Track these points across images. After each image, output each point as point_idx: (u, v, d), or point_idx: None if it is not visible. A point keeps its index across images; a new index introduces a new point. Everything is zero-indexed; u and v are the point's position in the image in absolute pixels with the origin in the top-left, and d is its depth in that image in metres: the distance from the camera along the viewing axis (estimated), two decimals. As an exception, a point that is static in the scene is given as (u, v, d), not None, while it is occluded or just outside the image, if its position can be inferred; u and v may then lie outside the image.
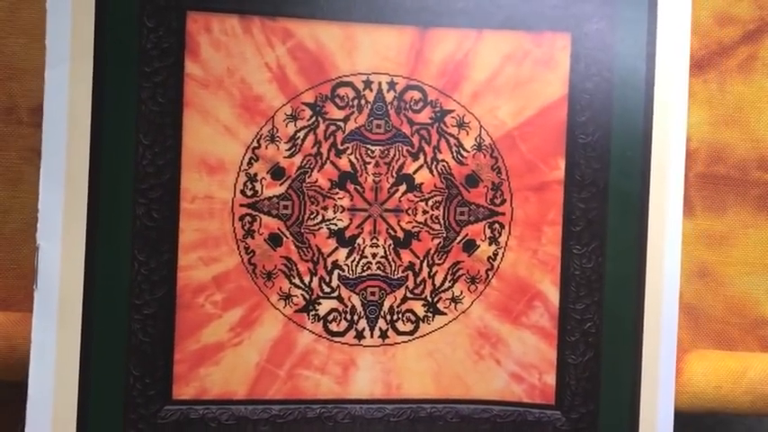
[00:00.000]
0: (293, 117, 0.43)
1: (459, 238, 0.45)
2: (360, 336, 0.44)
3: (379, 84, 0.44)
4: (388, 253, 0.44)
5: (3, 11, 0.46)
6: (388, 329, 0.44)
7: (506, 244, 0.45)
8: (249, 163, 0.43)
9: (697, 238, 0.52)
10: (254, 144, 0.43)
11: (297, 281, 0.43)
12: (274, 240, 0.43)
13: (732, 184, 0.52)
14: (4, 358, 0.45)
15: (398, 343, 0.44)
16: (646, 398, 0.44)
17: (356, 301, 0.44)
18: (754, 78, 0.52)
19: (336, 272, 0.44)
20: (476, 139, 0.44)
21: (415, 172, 0.44)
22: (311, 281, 0.44)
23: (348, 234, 0.44)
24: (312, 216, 0.44)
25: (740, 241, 0.52)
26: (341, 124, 0.44)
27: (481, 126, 0.44)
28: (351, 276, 0.44)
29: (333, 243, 0.44)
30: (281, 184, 0.43)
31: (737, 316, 0.52)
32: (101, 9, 0.41)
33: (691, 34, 0.51)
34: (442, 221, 0.45)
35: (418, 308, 0.45)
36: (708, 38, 0.51)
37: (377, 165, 0.44)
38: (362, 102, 0.44)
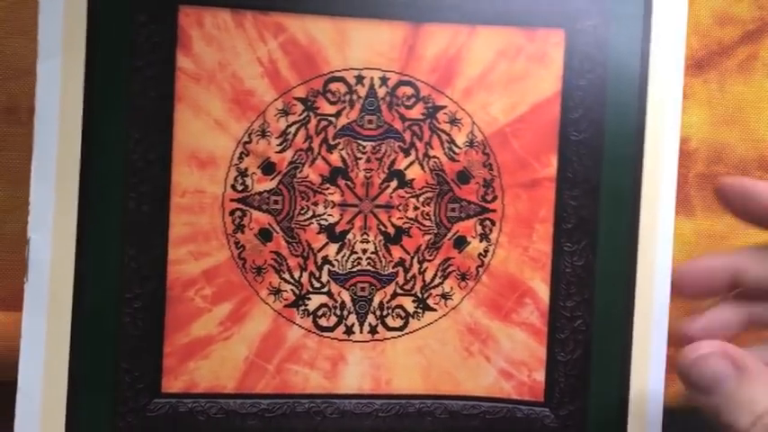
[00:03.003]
0: (284, 112, 0.43)
1: (449, 235, 0.45)
2: (349, 331, 0.44)
3: (371, 79, 0.44)
4: (378, 249, 0.44)
5: (2, 11, 0.46)
6: (377, 325, 0.44)
7: (497, 241, 0.45)
8: (240, 158, 0.43)
9: (697, 238, 0.52)
10: (245, 139, 0.43)
11: (287, 276, 0.44)
12: (264, 235, 0.43)
13: None
14: (4, 358, 0.45)
15: (388, 338, 0.45)
16: (635, 396, 0.44)
17: (346, 296, 0.44)
18: (754, 78, 0.51)
19: (326, 267, 0.44)
20: (468, 135, 0.44)
21: (406, 168, 0.44)
22: (301, 276, 0.44)
23: (338, 229, 0.44)
24: (302, 211, 0.44)
25: (740, 241, 0.52)
26: (332, 119, 0.44)
27: (473, 122, 0.44)
28: (341, 272, 0.44)
29: (323, 238, 0.44)
30: (271, 179, 0.43)
31: None
32: (93, 3, 0.41)
33: (691, 34, 0.50)
34: (432, 218, 0.45)
35: (408, 304, 0.45)
36: (708, 38, 0.51)
37: (368, 160, 0.44)
38: (354, 97, 0.44)
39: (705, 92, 0.52)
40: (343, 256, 0.44)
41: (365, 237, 0.44)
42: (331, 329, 0.44)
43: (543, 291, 0.45)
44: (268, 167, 0.43)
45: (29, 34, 0.46)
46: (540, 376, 0.45)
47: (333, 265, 0.44)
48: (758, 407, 0.35)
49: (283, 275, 0.44)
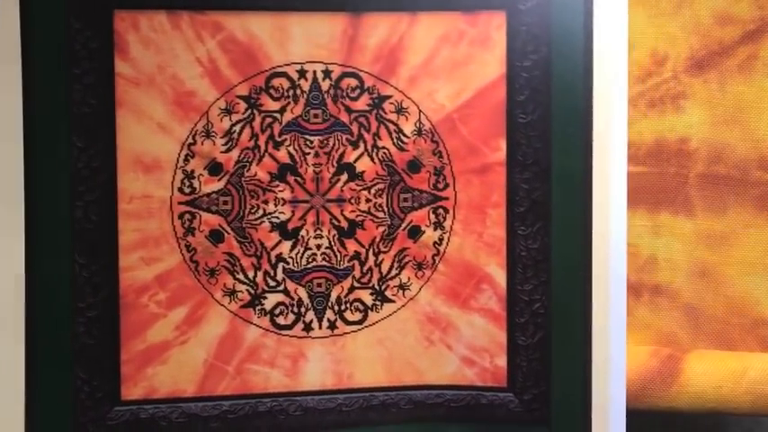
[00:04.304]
0: (228, 111, 0.43)
1: (403, 225, 0.44)
2: (308, 328, 0.44)
3: (314, 72, 0.43)
4: (332, 243, 0.44)
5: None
6: (336, 320, 0.44)
7: (451, 228, 0.44)
8: (185, 160, 0.43)
9: (697, 238, 0.52)
10: (190, 140, 0.42)
11: (241, 276, 0.43)
12: (215, 237, 0.43)
13: (732, 184, 0.52)
14: None
15: (348, 333, 0.44)
16: (597, 376, 0.44)
17: (303, 293, 0.44)
18: (754, 78, 0.51)
19: (281, 265, 0.44)
20: (415, 123, 0.44)
21: (355, 160, 0.44)
22: (255, 275, 0.43)
23: (291, 226, 0.44)
24: (253, 210, 0.43)
25: (740, 241, 0.52)
26: (277, 116, 0.43)
27: (420, 110, 0.44)
28: (296, 269, 0.44)
29: (276, 236, 0.44)
30: (219, 180, 0.43)
31: (737, 316, 0.52)
32: (26, 12, 0.40)
33: (691, 34, 0.50)
34: (385, 209, 0.44)
35: (366, 297, 0.44)
36: (708, 38, 0.51)
37: (316, 155, 0.44)
38: (298, 92, 0.43)
39: (705, 92, 0.52)
40: (297, 253, 0.44)
41: (318, 232, 0.44)
42: (289, 327, 0.44)
43: (500, 276, 0.44)
44: (215, 168, 0.43)
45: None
46: (501, 362, 0.45)
47: (287, 263, 0.44)
48: None
49: (237, 276, 0.43)
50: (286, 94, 0.43)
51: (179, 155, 0.42)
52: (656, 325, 0.53)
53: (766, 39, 0.51)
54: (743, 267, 0.52)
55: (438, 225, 0.44)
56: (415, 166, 0.44)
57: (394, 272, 0.44)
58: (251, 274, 0.43)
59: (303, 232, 0.44)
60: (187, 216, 0.43)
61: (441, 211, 0.44)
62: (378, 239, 0.44)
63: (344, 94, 0.43)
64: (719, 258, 0.53)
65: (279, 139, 0.43)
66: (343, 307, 0.44)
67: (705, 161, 0.52)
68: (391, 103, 0.44)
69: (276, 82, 0.43)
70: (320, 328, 0.44)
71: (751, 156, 0.52)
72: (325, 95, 0.43)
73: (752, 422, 0.64)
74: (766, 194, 0.52)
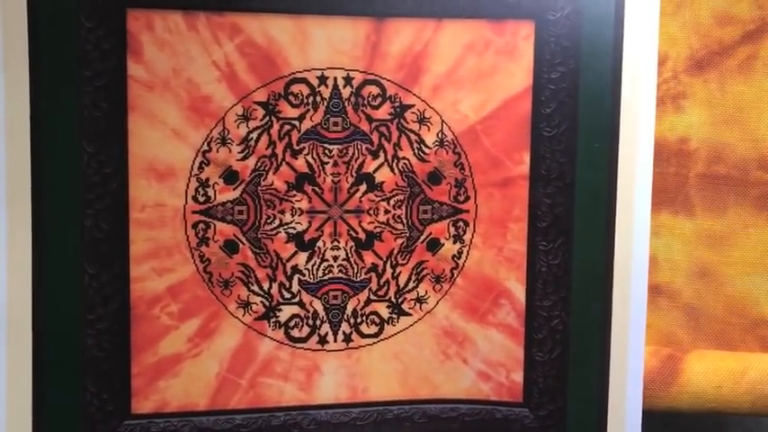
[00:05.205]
0: (245, 117, 0.41)
1: (422, 238, 0.43)
2: (323, 341, 0.43)
3: (335, 79, 0.42)
4: (349, 255, 0.43)
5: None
6: (351, 333, 0.43)
7: (471, 242, 0.44)
8: (200, 167, 0.41)
9: (697, 238, 0.52)
10: (205, 147, 0.41)
11: (255, 288, 0.42)
12: (230, 247, 0.42)
13: (732, 184, 0.52)
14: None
15: (363, 346, 0.43)
16: (614, 394, 0.43)
17: (318, 305, 0.43)
18: (754, 78, 0.51)
19: (297, 277, 0.43)
20: (437, 134, 0.43)
21: (375, 171, 0.43)
22: (270, 287, 0.42)
23: (307, 237, 0.42)
24: (269, 220, 0.42)
25: (740, 241, 0.52)
26: (296, 123, 0.42)
27: (443, 121, 0.43)
28: (312, 281, 0.43)
29: (292, 247, 0.42)
30: (234, 189, 0.42)
31: (737, 316, 0.52)
32: (34, 11, 0.38)
33: (691, 34, 0.50)
34: (404, 221, 0.43)
35: (382, 309, 0.43)
36: (708, 38, 0.51)
37: (335, 164, 0.42)
38: (318, 99, 0.42)
39: (705, 92, 0.51)
40: (313, 265, 0.43)
41: (336, 243, 0.43)
42: (304, 340, 0.43)
43: (519, 291, 0.44)
44: (230, 176, 0.41)
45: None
46: (518, 377, 0.44)
47: (303, 275, 0.43)
48: None
49: (252, 288, 0.42)
50: (305, 100, 0.41)
51: (193, 162, 0.41)
52: (656, 325, 0.53)
53: (766, 39, 0.51)
54: (743, 267, 0.52)
55: (458, 238, 0.44)
56: (435, 177, 0.43)
57: (411, 285, 0.44)
58: (266, 286, 0.42)
59: (320, 243, 0.43)
60: (201, 226, 0.41)
61: (461, 224, 0.43)
62: (396, 251, 0.43)
63: (366, 102, 0.42)
64: (719, 258, 0.53)
65: (297, 148, 0.42)
66: (359, 320, 0.43)
67: (705, 161, 0.52)
68: (413, 113, 0.42)
69: (295, 88, 0.41)
70: (335, 341, 0.43)
71: (751, 156, 0.52)
72: (346, 103, 0.42)
73: (752, 422, 0.65)
74: (766, 194, 0.52)
